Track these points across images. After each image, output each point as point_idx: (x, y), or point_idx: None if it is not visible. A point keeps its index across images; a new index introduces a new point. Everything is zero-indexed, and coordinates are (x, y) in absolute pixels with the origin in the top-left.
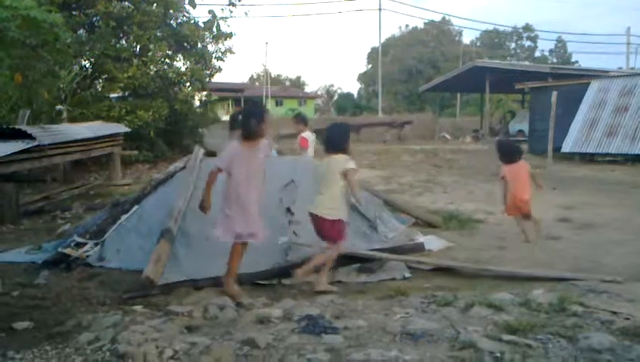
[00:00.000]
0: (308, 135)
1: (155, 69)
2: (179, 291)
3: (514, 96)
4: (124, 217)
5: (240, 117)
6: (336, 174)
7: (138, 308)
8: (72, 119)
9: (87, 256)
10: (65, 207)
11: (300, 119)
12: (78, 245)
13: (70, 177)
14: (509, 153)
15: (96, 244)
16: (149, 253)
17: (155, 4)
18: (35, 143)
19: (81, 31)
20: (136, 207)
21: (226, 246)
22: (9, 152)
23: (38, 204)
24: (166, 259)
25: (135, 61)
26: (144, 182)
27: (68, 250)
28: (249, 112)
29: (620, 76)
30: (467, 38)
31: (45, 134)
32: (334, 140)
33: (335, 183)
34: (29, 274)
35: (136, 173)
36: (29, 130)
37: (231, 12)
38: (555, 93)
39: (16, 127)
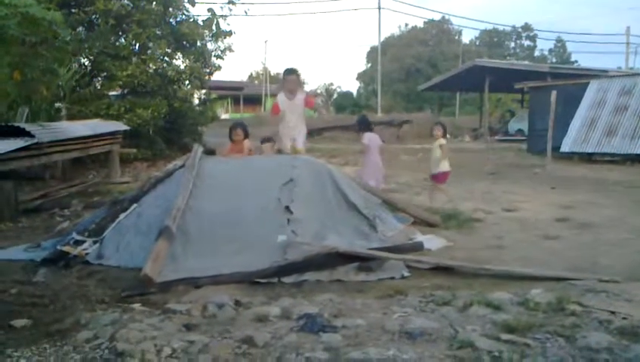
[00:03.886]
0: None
1: (154, 67)
2: (177, 289)
3: (513, 95)
4: (122, 215)
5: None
6: None
7: (137, 306)
8: (71, 117)
9: (86, 254)
10: (63, 205)
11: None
12: (77, 243)
13: (69, 175)
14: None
15: (95, 242)
16: (147, 251)
17: (154, 3)
18: (34, 141)
19: (81, 29)
20: (135, 205)
21: (224, 245)
22: (8, 150)
23: (37, 202)
24: (165, 257)
25: (134, 59)
26: (143, 181)
27: (67, 248)
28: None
29: (620, 76)
30: (467, 37)
31: (44, 132)
32: None
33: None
34: (27, 272)
35: (135, 171)
36: (28, 127)
37: (230, 10)
38: (554, 93)
39: (15, 124)
